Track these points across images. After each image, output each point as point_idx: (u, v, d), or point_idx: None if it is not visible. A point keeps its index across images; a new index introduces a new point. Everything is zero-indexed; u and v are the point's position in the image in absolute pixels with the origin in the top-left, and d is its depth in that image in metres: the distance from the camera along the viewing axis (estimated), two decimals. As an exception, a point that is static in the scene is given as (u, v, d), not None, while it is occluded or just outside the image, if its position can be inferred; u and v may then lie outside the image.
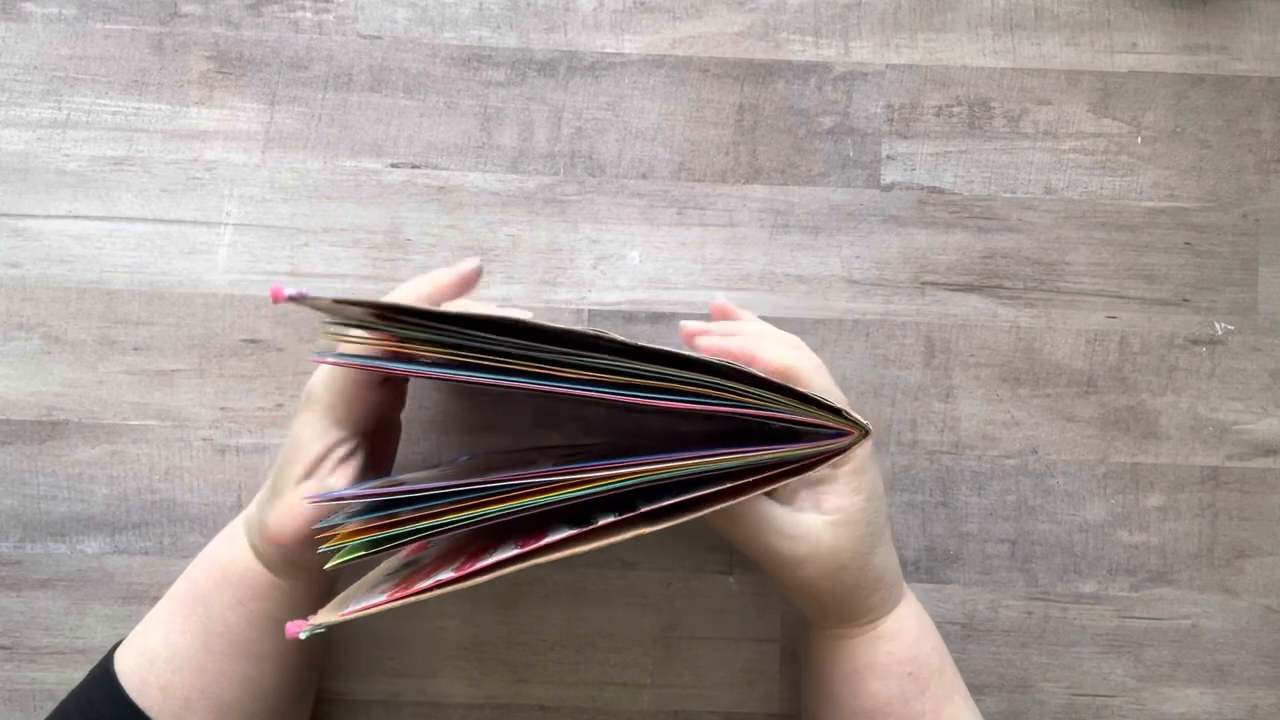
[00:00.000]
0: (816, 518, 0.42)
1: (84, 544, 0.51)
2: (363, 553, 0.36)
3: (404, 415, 0.48)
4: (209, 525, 0.51)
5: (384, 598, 0.35)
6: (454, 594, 0.34)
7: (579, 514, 0.38)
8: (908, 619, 0.44)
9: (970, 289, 0.53)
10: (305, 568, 0.42)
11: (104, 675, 0.43)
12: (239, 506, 0.51)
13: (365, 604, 0.35)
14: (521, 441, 0.52)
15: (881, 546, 0.43)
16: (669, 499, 0.35)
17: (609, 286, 0.52)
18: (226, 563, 0.44)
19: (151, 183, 0.52)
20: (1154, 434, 0.52)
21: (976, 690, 0.51)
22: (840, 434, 0.37)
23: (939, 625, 0.51)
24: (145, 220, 0.52)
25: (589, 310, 0.52)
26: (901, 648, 0.44)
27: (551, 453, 0.48)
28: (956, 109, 0.53)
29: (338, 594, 0.43)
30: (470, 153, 0.52)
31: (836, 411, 0.37)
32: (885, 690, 0.43)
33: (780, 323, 0.52)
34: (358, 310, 0.36)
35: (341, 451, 0.41)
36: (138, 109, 0.52)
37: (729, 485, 0.36)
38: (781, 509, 0.42)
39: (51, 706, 0.50)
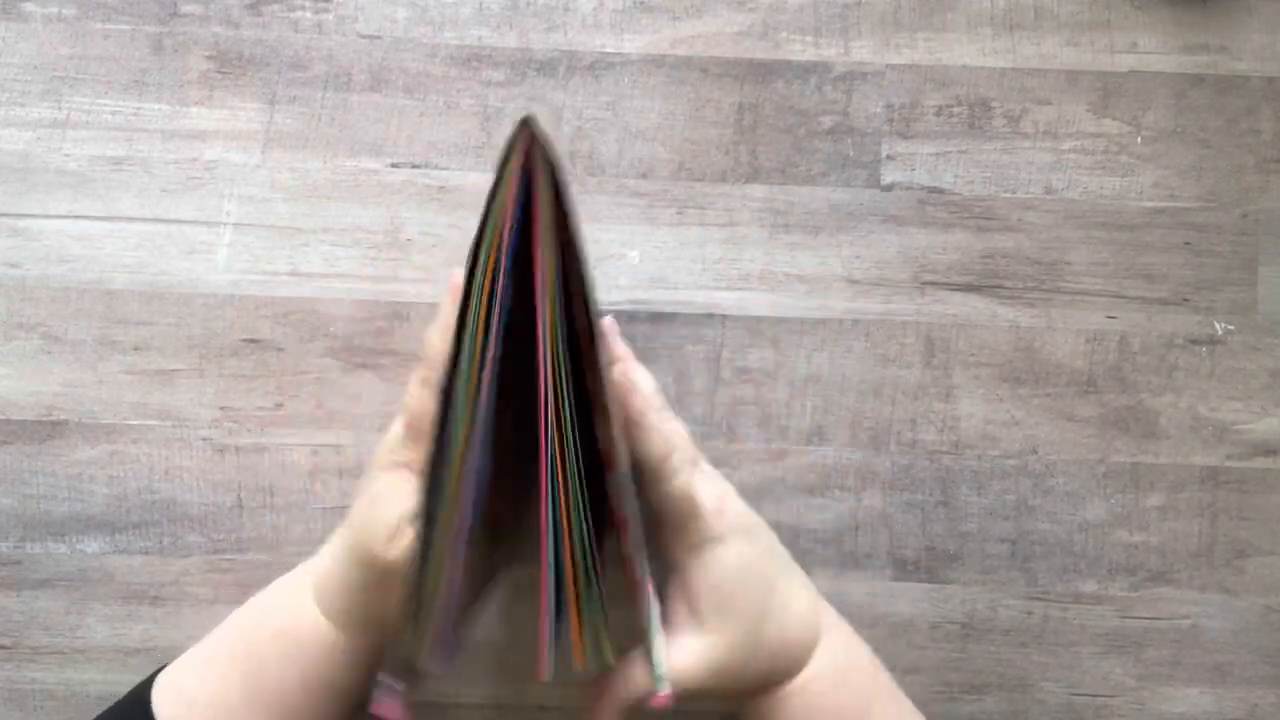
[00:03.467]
0: (685, 669, 0.41)
1: (84, 544, 0.51)
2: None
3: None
4: (209, 525, 0.51)
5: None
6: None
7: None
8: (822, 669, 0.43)
9: (970, 289, 0.53)
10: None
11: (139, 708, 0.42)
12: (239, 506, 0.51)
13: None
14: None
15: (759, 645, 0.41)
16: None
17: (609, 286, 0.52)
18: (287, 619, 0.42)
19: (151, 183, 0.52)
20: (1154, 434, 0.52)
21: (976, 690, 0.51)
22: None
23: (939, 625, 0.52)
24: (145, 220, 0.52)
25: (589, 310, 0.52)
26: (814, 699, 0.42)
27: None
28: (956, 109, 0.53)
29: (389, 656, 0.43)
30: (470, 153, 0.52)
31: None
32: None
33: (780, 322, 0.52)
34: None
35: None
36: (138, 109, 0.52)
37: None
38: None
39: (51, 706, 0.50)
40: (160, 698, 0.42)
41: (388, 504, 0.40)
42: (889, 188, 0.53)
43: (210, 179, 0.52)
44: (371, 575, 0.40)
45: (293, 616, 0.42)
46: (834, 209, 0.53)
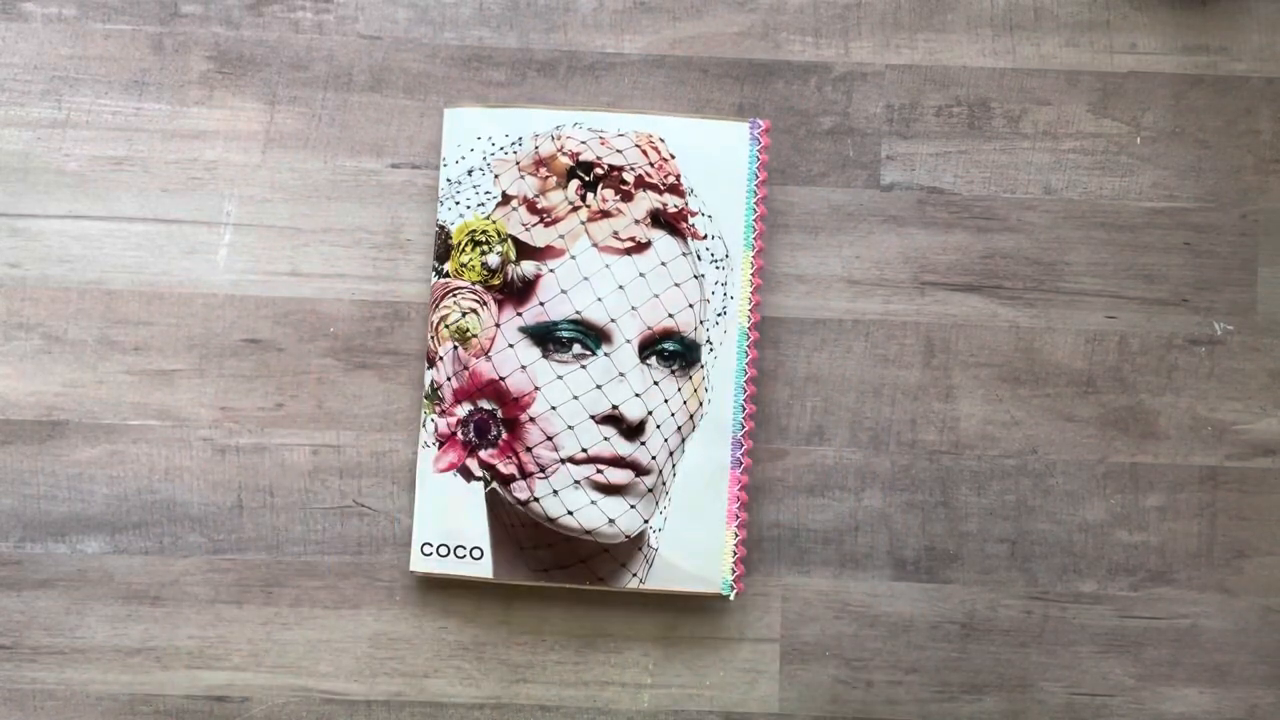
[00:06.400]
0: None
1: (84, 544, 0.51)
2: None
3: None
4: (209, 525, 0.51)
5: None
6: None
7: None
8: None
9: (970, 289, 0.53)
10: None
11: None
12: (239, 506, 0.51)
13: None
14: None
15: None
16: None
17: (609, 286, 0.52)
18: None
19: (151, 183, 0.52)
20: (1153, 434, 0.52)
21: (976, 690, 0.52)
22: None
23: (939, 625, 0.52)
24: (145, 220, 0.52)
25: (589, 310, 0.52)
26: None
27: None
28: (956, 109, 0.53)
29: None
30: (470, 153, 0.52)
31: None
32: None
33: (780, 322, 0.52)
34: None
35: None
36: (138, 109, 0.52)
37: None
38: None
39: (51, 706, 0.50)
40: None
41: None
42: (889, 188, 0.53)
43: (210, 179, 0.52)
44: None
45: None
46: (834, 209, 0.53)
